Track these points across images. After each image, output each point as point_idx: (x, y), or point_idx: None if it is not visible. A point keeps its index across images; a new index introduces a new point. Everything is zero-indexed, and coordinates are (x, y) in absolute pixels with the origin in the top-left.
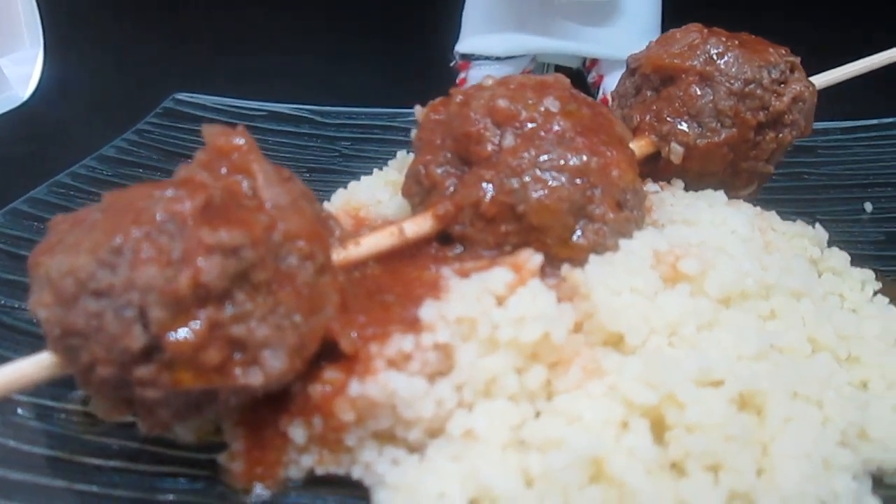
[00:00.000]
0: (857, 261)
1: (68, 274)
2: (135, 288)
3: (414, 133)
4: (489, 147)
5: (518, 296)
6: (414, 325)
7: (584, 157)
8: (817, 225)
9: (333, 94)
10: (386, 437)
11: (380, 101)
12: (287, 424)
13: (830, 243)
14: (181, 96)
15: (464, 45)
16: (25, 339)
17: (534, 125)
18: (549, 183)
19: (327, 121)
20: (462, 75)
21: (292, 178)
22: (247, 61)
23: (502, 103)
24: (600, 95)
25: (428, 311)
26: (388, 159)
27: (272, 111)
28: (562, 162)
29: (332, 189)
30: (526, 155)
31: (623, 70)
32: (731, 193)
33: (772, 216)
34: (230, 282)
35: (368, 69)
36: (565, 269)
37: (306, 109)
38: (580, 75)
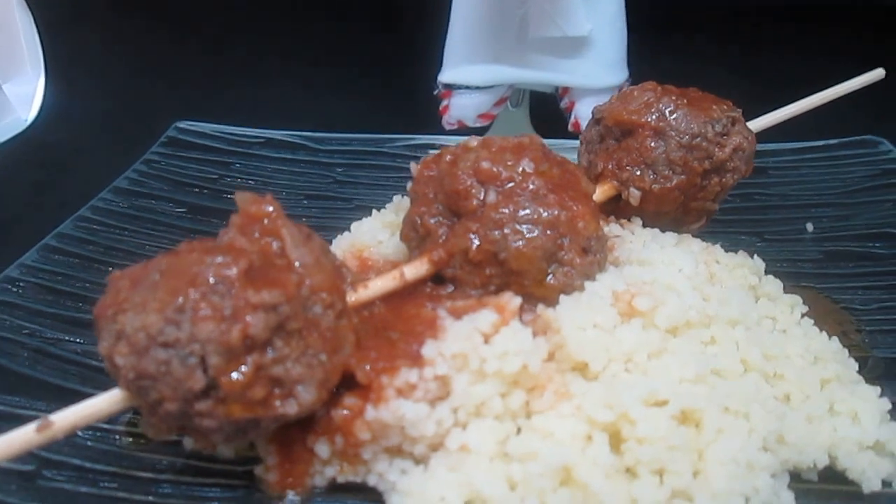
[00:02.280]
0: (796, 278)
1: (140, 329)
2: (196, 340)
3: (409, 185)
4: (475, 202)
5: (501, 334)
6: (417, 360)
7: (555, 212)
8: (756, 256)
9: (326, 121)
10: (395, 451)
11: (370, 126)
12: (313, 442)
13: (776, 262)
14: (183, 125)
15: (446, 76)
16: (73, 369)
17: (512, 184)
18: (526, 234)
19: (321, 147)
20: (445, 103)
21: (312, 235)
22: (243, 91)
23: (485, 165)
24: (572, 119)
25: (429, 349)
26: (378, 184)
27: (269, 138)
28: (536, 216)
29: (328, 215)
30: (506, 210)
31: (592, 98)
32: (683, 228)
33: (716, 250)
34: (271, 332)
35: (359, 98)
36: (540, 308)
37: (301, 136)
38: (554, 100)
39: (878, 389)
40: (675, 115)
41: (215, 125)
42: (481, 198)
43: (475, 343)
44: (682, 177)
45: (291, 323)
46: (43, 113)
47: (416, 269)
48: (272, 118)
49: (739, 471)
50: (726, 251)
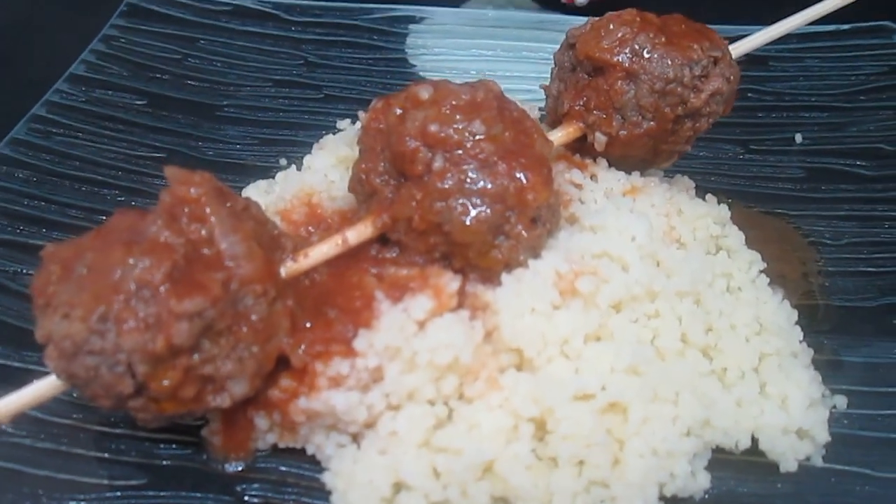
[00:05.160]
0: (773, 201)
1: (66, 337)
2: (121, 350)
3: (359, 133)
4: (420, 167)
5: (435, 325)
6: (350, 352)
7: (504, 182)
8: (723, 205)
9: None
10: (332, 427)
11: None
12: (252, 414)
13: (756, 180)
14: None
15: None
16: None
17: (461, 151)
18: (471, 207)
19: (293, 18)
20: None
21: (248, 209)
22: None
23: (433, 128)
24: None
25: (361, 341)
26: (351, 67)
27: (236, 6)
28: (483, 188)
29: (295, 107)
30: (452, 180)
31: None
32: (654, 167)
33: (681, 198)
34: (196, 337)
35: None
36: (480, 289)
37: (270, 3)
38: None
39: (812, 373)
40: (650, 56)
41: None
42: (428, 160)
43: (407, 334)
44: (652, 123)
45: (219, 323)
46: None
47: (359, 234)
48: None
49: (658, 461)
50: (703, 173)
